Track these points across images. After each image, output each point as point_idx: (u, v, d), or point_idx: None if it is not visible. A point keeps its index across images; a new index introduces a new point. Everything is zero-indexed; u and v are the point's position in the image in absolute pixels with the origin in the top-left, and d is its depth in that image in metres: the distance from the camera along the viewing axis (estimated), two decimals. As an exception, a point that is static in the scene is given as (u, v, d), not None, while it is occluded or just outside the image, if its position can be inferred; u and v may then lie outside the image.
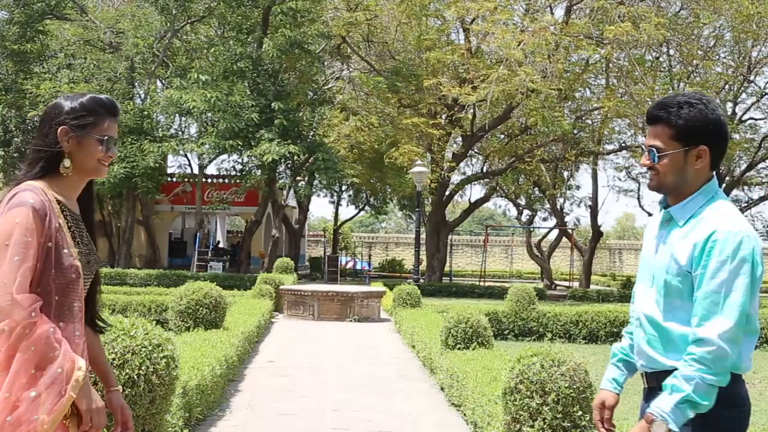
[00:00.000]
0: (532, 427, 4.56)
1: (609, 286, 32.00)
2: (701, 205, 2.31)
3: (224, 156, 26.88)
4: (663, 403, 2.19)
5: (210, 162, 27.71)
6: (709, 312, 2.19)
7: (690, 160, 2.31)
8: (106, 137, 2.36)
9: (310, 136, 24.88)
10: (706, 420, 2.21)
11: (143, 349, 4.06)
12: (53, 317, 2.18)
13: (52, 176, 2.32)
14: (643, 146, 2.41)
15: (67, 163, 2.32)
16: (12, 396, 2.05)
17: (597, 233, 30.33)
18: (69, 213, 2.34)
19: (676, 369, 2.25)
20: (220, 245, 34.11)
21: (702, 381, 2.16)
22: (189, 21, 25.04)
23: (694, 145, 2.30)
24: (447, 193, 28.44)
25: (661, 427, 2.18)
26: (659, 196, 2.45)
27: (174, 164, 31.54)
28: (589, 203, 31.16)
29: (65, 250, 2.24)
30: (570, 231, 32.90)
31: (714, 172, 2.38)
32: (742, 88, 29.49)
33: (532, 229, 36.44)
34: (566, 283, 31.56)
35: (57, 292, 2.21)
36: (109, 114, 2.38)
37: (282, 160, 23.88)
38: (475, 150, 30.09)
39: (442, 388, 7.72)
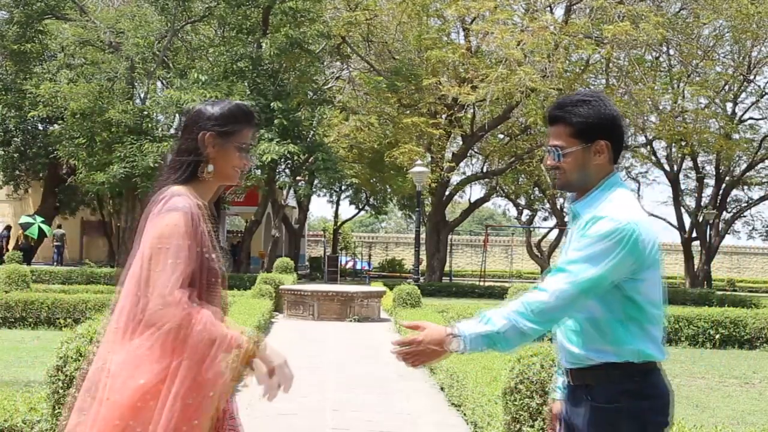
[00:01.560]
0: (532, 427, 4.56)
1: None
2: (601, 197, 2.37)
3: (224, 156, 26.85)
4: (470, 328, 2.24)
5: (210, 162, 27.69)
6: (560, 272, 2.24)
7: (591, 155, 2.38)
8: (245, 145, 2.40)
9: (310, 136, 24.87)
10: (628, 412, 2.25)
11: (143, 349, 4.06)
12: None
13: (193, 181, 2.35)
14: (549, 148, 2.46)
15: (210, 168, 2.36)
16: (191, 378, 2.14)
17: (597, 233, 30.32)
18: (210, 217, 2.38)
19: (598, 366, 2.29)
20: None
21: (516, 325, 2.21)
22: (189, 21, 25.04)
23: (592, 140, 2.37)
24: (447, 193, 28.44)
25: (456, 345, 2.21)
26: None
27: (174, 164, 31.53)
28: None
29: (209, 255, 2.29)
30: (570, 231, 32.88)
31: (615, 166, 2.45)
32: (742, 88, 29.49)
33: (532, 229, 36.45)
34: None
35: (203, 295, 2.25)
36: (249, 122, 2.42)
37: (282, 160, 23.88)
38: (475, 150, 30.09)
39: (442, 388, 7.72)
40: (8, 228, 28.51)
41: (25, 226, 26.30)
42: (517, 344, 2.26)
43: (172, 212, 2.21)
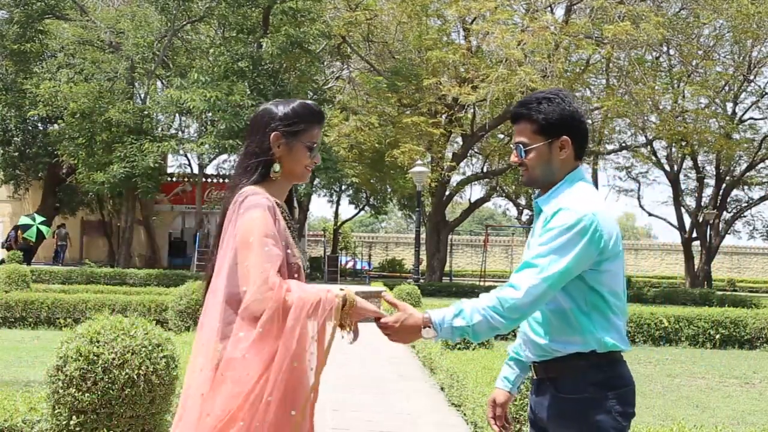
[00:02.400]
0: (532, 427, 4.56)
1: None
2: (563, 191, 2.42)
3: (224, 156, 26.89)
4: (445, 317, 2.30)
5: (210, 162, 27.71)
6: (529, 267, 2.28)
7: (554, 151, 2.43)
8: (313, 144, 2.41)
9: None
10: (596, 402, 2.29)
11: (143, 349, 4.06)
12: None
13: (265, 182, 2.38)
14: (514, 145, 2.52)
15: (277, 168, 2.38)
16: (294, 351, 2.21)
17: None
18: (286, 214, 2.41)
19: (564, 357, 2.33)
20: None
21: (489, 319, 2.25)
22: (189, 21, 25.04)
23: (556, 136, 2.42)
24: (447, 193, 28.44)
25: (429, 334, 2.30)
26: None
27: (174, 164, 31.56)
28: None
29: (289, 250, 2.32)
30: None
31: (579, 162, 2.49)
32: (742, 88, 29.49)
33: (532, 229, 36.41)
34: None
35: None
36: (317, 121, 2.44)
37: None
38: (475, 150, 30.09)
39: (442, 388, 7.71)
40: (16, 228, 28.60)
41: (24, 228, 26.27)
42: (486, 337, 2.32)
43: (251, 210, 2.25)
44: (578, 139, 2.46)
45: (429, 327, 2.29)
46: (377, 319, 2.39)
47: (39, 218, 26.94)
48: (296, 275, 2.34)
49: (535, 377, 2.46)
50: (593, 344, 2.32)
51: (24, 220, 26.76)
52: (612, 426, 2.30)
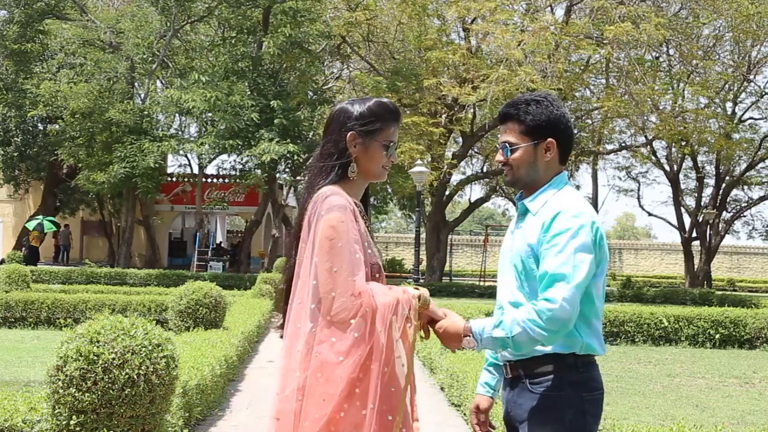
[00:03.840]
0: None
1: (609, 285, 31.98)
2: (552, 194, 2.46)
3: (224, 156, 26.90)
4: (485, 329, 2.31)
5: (210, 162, 27.71)
6: (555, 280, 2.29)
7: (540, 153, 2.47)
8: (390, 143, 2.40)
9: (310, 136, 24.87)
10: (568, 402, 2.33)
11: (143, 349, 4.06)
12: None
13: (342, 181, 2.37)
14: (500, 145, 2.54)
15: (354, 167, 2.37)
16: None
17: (597, 233, 30.33)
18: (363, 213, 2.41)
19: (542, 356, 2.35)
20: (222, 245, 34.12)
21: (529, 332, 2.25)
22: (189, 21, 25.04)
23: (542, 138, 2.46)
24: (447, 193, 28.43)
25: (470, 344, 2.31)
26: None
27: (174, 164, 31.59)
28: (590, 203, 31.11)
29: (370, 250, 2.33)
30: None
31: (563, 166, 2.53)
32: (742, 88, 29.48)
33: (532, 229, 36.37)
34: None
35: None
36: (394, 119, 2.43)
37: (282, 160, 23.88)
38: (475, 150, 30.08)
39: (442, 388, 7.71)
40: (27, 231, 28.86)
41: (37, 227, 26.53)
42: (528, 348, 2.33)
43: (332, 211, 2.24)
44: (563, 143, 2.49)
45: (469, 336, 2.31)
46: (431, 322, 2.40)
47: (48, 218, 27.17)
48: (377, 275, 2.34)
49: (509, 376, 2.47)
50: (575, 347, 2.36)
51: (33, 222, 26.93)
52: (584, 427, 2.34)
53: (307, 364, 2.21)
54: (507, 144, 2.48)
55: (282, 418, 2.24)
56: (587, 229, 2.33)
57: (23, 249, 27.30)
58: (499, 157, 2.52)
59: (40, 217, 27.28)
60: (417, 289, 2.33)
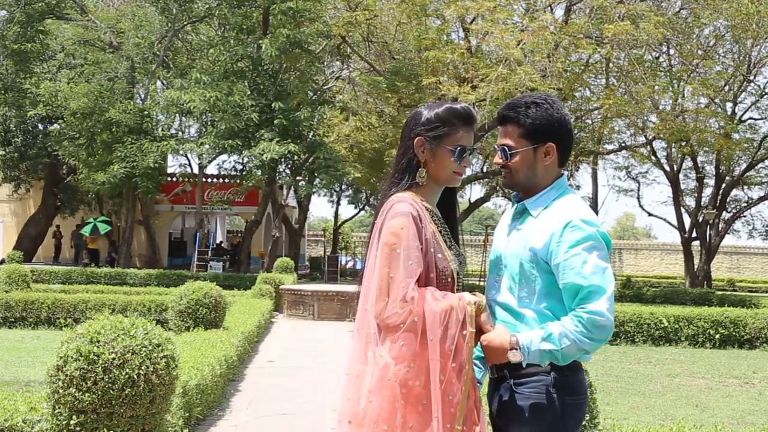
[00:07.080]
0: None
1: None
2: (553, 198, 2.44)
3: (224, 156, 26.90)
4: (533, 342, 2.29)
5: (210, 162, 27.71)
6: (592, 291, 2.28)
7: (539, 156, 2.45)
8: (458, 148, 2.39)
9: (310, 136, 24.88)
10: (554, 406, 2.33)
11: (143, 349, 4.06)
12: None
13: (416, 186, 2.40)
14: (498, 147, 2.52)
15: (422, 172, 2.39)
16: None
17: (597, 233, 30.31)
18: (437, 218, 2.41)
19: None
20: (222, 245, 34.14)
21: (577, 343, 2.26)
22: (189, 21, 25.04)
23: (541, 142, 2.44)
24: (447, 192, 28.42)
25: (516, 357, 2.30)
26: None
27: (174, 164, 31.57)
28: (589, 203, 31.14)
29: (439, 255, 2.33)
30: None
31: (563, 169, 2.51)
32: (742, 88, 29.48)
33: (532, 229, 36.34)
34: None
35: None
36: (464, 124, 2.43)
37: (282, 160, 23.88)
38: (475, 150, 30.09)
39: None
40: (80, 235, 29.23)
41: (93, 232, 27.08)
42: (573, 359, 2.34)
43: (396, 218, 2.28)
44: (563, 146, 2.47)
45: (516, 349, 2.30)
46: (478, 333, 2.39)
47: (101, 218, 27.52)
48: (449, 280, 2.35)
49: (494, 376, 2.47)
50: None
51: (86, 228, 27.44)
52: (564, 430, 2.35)
53: (373, 368, 2.26)
54: (506, 147, 2.46)
55: (353, 420, 2.27)
56: (600, 238, 2.35)
57: (83, 253, 27.80)
58: (498, 159, 2.50)
59: (92, 220, 27.61)
60: (475, 295, 2.33)
